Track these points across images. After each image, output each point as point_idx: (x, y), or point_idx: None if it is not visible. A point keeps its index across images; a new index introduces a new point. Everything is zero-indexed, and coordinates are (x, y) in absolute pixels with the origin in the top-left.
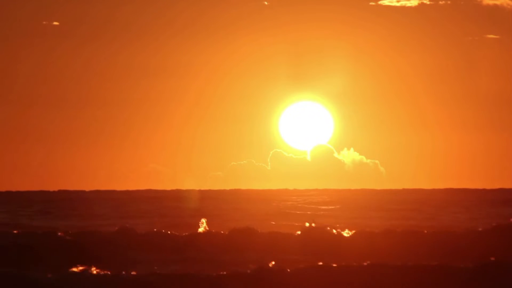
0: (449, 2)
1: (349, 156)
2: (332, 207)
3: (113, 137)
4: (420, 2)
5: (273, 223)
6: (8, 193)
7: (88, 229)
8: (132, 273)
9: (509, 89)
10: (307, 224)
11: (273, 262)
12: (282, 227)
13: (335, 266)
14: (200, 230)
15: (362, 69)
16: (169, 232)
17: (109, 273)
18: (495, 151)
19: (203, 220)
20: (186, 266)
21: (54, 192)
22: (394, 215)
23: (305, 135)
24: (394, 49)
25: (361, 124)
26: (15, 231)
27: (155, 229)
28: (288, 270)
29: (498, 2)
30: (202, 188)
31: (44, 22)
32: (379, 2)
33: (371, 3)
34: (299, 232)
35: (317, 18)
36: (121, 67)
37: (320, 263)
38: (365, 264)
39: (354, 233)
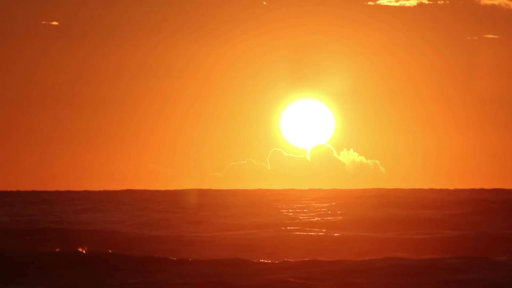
0: (447, 2)
1: (348, 157)
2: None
3: (113, 137)
4: (419, 2)
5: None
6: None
7: None
8: None
9: (508, 89)
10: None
11: None
12: None
13: None
14: None
15: (361, 69)
16: None
17: None
18: (493, 151)
19: None
20: None
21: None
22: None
23: (306, 132)
24: (393, 49)
25: (362, 124)
26: None
27: None
28: None
29: (496, 2)
30: (202, 188)
31: (43, 22)
32: (378, 2)
33: (369, 3)
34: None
35: (315, 18)
36: (121, 66)
37: None
38: None
39: None
